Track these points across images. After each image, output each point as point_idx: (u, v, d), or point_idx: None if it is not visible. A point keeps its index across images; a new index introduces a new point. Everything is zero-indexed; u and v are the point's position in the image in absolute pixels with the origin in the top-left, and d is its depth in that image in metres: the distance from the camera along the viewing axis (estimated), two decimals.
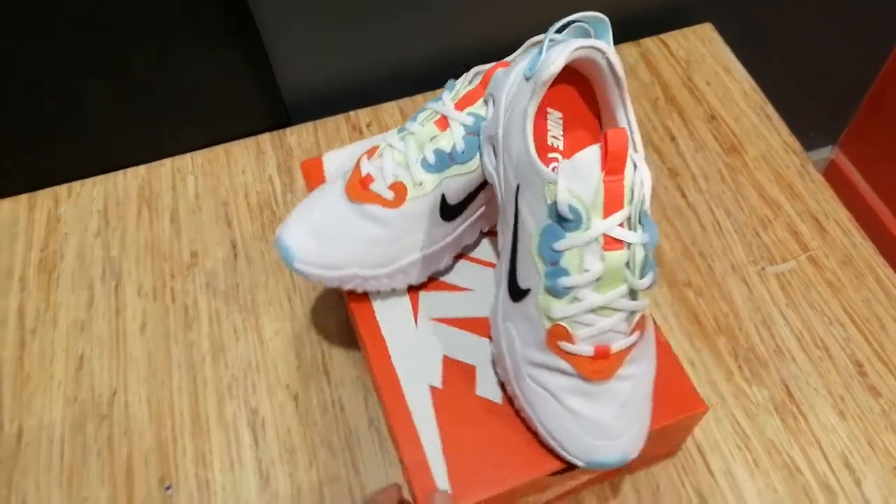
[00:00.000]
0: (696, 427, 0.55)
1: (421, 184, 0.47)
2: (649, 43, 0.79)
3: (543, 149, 0.45)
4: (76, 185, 0.72)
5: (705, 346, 0.59)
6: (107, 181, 0.72)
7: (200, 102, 0.70)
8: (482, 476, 0.44)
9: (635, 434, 0.42)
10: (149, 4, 0.61)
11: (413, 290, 0.52)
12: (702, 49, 0.78)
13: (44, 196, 0.71)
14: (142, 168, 0.72)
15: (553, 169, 0.43)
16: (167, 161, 0.73)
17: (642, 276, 0.39)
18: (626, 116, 0.42)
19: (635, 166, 0.38)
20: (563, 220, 0.38)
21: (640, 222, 0.38)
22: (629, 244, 0.38)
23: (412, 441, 0.46)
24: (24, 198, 0.71)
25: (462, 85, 0.48)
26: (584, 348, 0.40)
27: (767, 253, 0.64)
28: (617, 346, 0.40)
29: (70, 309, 0.64)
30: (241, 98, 0.71)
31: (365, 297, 0.51)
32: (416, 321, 0.50)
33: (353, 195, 0.48)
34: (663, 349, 0.47)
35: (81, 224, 0.69)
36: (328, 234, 0.48)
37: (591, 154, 0.37)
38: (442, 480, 0.44)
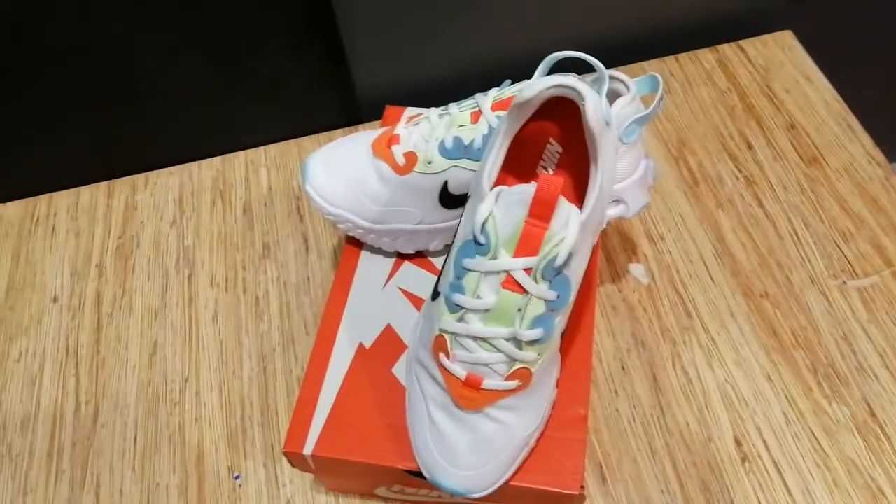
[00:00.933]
0: (774, 442, 0.54)
1: (430, 162, 0.47)
2: (727, 49, 0.77)
3: (525, 173, 0.45)
4: (153, 174, 0.73)
5: (783, 359, 0.58)
6: (182, 172, 0.73)
7: (277, 96, 0.71)
8: (348, 439, 0.45)
9: (484, 474, 0.41)
10: None
11: (401, 257, 0.53)
12: (781, 56, 0.76)
13: (122, 184, 0.73)
14: (216, 159, 0.74)
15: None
16: (241, 153, 0.74)
17: (531, 327, 0.38)
18: (596, 169, 0.39)
19: (567, 223, 0.36)
20: (477, 242, 0.38)
21: (548, 278, 0.37)
22: (527, 292, 0.37)
23: (315, 381, 0.47)
24: (103, 185, 0.73)
25: (508, 87, 0.48)
26: (458, 370, 0.40)
27: (848, 266, 0.62)
28: (489, 383, 0.39)
29: (145, 296, 0.65)
30: (317, 94, 0.72)
31: (358, 247, 0.53)
32: (385, 284, 0.52)
33: (376, 149, 0.49)
34: (575, 422, 0.45)
35: (157, 213, 0.70)
36: (341, 174, 0.50)
37: (525, 191, 0.36)
38: (318, 423, 0.45)
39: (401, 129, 0.50)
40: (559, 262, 0.36)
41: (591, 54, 0.77)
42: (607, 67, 0.77)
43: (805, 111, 0.72)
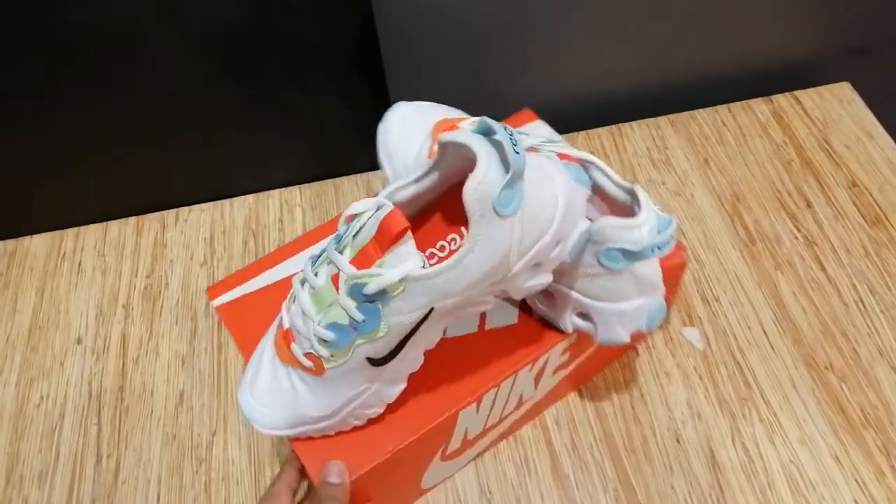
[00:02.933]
0: None
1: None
2: (782, 100, 0.75)
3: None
4: (184, 210, 0.71)
5: (851, 439, 0.54)
6: (214, 209, 0.71)
7: (316, 134, 0.69)
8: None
9: (265, 415, 0.43)
10: (285, 25, 0.60)
11: None
12: (839, 109, 0.73)
13: (151, 220, 0.70)
14: (250, 197, 0.71)
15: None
16: (275, 192, 0.71)
17: (327, 328, 0.39)
18: (468, 241, 0.36)
19: (397, 265, 0.36)
20: (339, 230, 0.40)
21: (356, 298, 0.37)
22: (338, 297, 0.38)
23: None
24: (132, 220, 0.70)
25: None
26: (285, 321, 0.42)
27: None
28: (294, 348, 0.41)
29: (172, 340, 0.62)
30: (357, 134, 0.69)
31: None
32: None
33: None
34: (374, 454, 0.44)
35: (188, 252, 0.68)
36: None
37: (381, 213, 0.37)
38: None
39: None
40: (366, 290, 0.37)
41: (638, 103, 0.75)
42: (654, 116, 0.74)
43: (867, 169, 0.69)
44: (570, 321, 0.47)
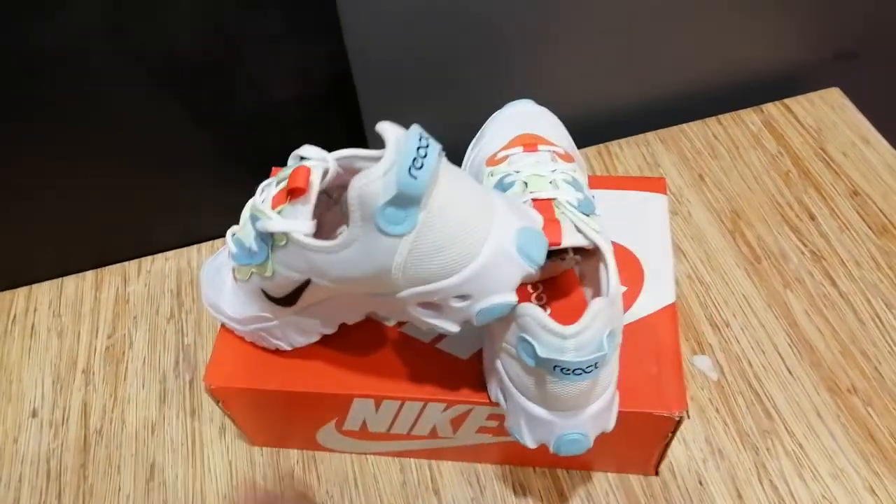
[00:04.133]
0: None
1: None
2: (772, 109, 0.72)
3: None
4: (146, 260, 0.65)
5: (886, 469, 0.50)
6: (180, 256, 0.65)
7: None
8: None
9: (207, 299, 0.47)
10: (252, 61, 0.55)
11: None
12: (832, 116, 0.71)
13: (111, 273, 0.65)
14: (218, 242, 0.66)
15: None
16: None
17: (233, 240, 0.41)
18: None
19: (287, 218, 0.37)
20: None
21: (256, 230, 0.38)
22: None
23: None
24: (90, 275, 0.65)
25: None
26: None
27: None
28: None
29: (140, 407, 0.56)
30: None
31: None
32: None
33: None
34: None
35: (152, 306, 0.62)
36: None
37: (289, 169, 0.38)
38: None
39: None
40: (257, 225, 0.38)
41: (626, 118, 0.71)
42: (643, 132, 0.71)
43: (867, 176, 0.66)
44: (491, 390, 0.42)
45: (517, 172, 0.43)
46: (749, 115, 0.72)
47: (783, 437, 0.52)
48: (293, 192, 0.36)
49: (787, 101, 0.72)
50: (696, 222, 0.64)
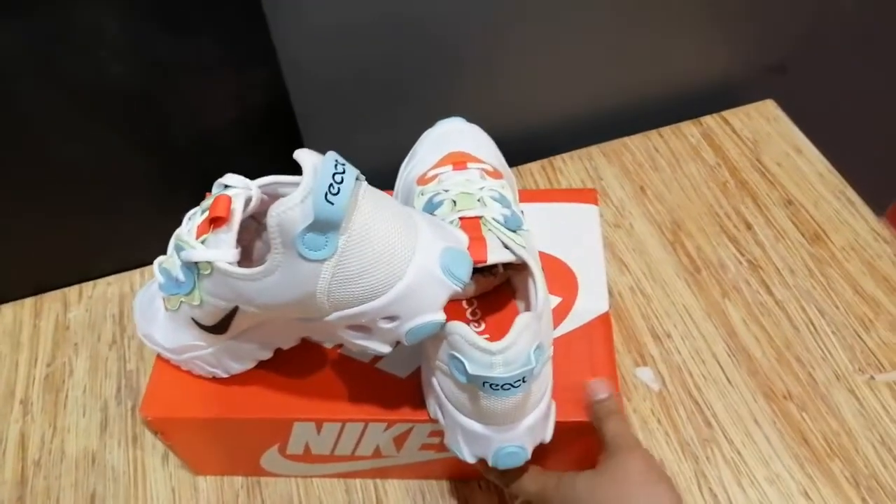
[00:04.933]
0: None
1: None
2: (710, 121, 0.74)
3: None
4: (87, 286, 0.64)
5: (818, 471, 0.51)
6: (122, 281, 0.64)
7: None
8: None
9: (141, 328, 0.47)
10: (185, 86, 0.55)
11: None
12: (767, 127, 0.73)
13: (51, 299, 0.63)
14: None
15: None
16: None
17: (160, 270, 0.42)
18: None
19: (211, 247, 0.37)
20: None
21: (182, 260, 0.39)
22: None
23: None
24: (28, 302, 0.63)
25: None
26: None
27: (874, 358, 0.57)
28: None
29: (80, 435, 0.55)
30: None
31: None
32: None
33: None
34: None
35: (94, 333, 0.61)
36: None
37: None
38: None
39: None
40: (182, 255, 0.38)
41: (567, 132, 0.72)
42: (586, 146, 0.72)
43: (800, 185, 0.68)
44: (429, 407, 0.43)
45: (446, 191, 0.43)
46: (688, 128, 0.73)
47: (722, 445, 0.53)
48: (215, 221, 0.36)
49: (724, 113, 0.74)
50: (637, 234, 0.65)
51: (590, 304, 0.48)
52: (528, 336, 0.36)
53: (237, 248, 0.36)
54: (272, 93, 0.57)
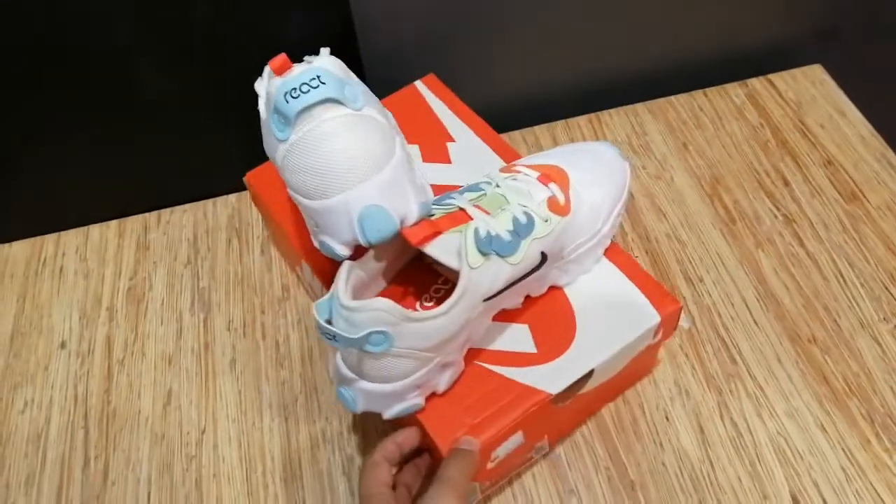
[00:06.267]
0: (835, 500, 0.50)
1: None
2: (756, 83, 0.76)
3: None
4: (165, 212, 0.71)
5: (836, 409, 0.54)
6: (196, 209, 0.70)
7: None
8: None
9: None
10: (261, 24, 0.60)
11: None
12: (812, 91, 0.74)
13: (133, 222, 0.70)
14: (232, 197, 0.71)
15: None
16: None
17: None
18: None
19: None
20: None
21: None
22: None
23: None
24: (113, 224, 0.70)
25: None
26: None
27: None
28: None
29: (158, 341, 0.62)
30: None
31: None
32: None
33: None
34: None
35: (171, 253, 0.67)
36: None
37: None
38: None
39: None
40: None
41: (615, 90, 0.75)
42: (631, 103, 0.75)
43: (841, 147, 0.70)
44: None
45: (497, 186, 0.46)
46: (734, 89, 0.76)
47: (745, 380, 0.56)
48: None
49: (770, 76, 0.76)
50: (677, 186, 0.68)
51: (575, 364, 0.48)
52: (373, 321, 0.39)
53: None
54: (342, 33, 0.62)
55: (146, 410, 0.58)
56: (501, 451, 0.47)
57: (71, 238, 0.69)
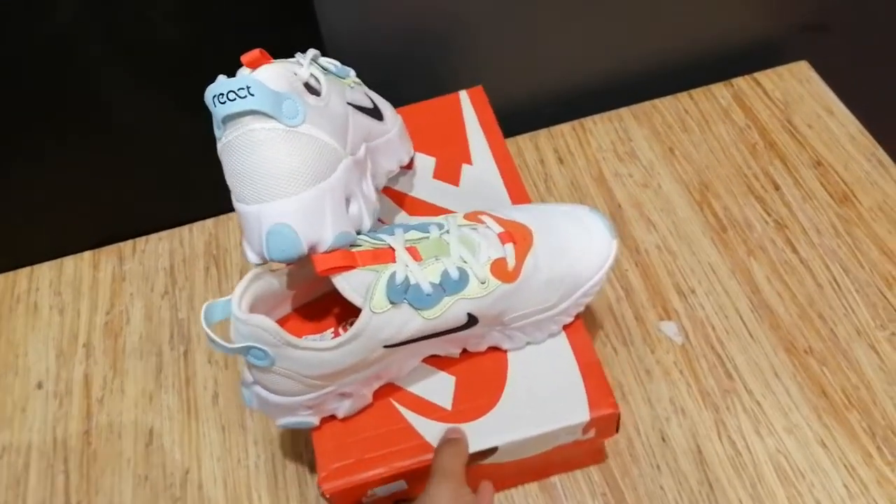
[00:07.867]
0: None
1: None
2: (742, 83, 0.74)
3: None
4: (140, 241, 0.68)
5: (836, 422, 0.53)
6: (172, 237, 0.68)
7: None
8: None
9: None
10: (230, 45, 0.58)
11: None
12: (799, 89, 0.73)
13: (108, 253, 0.68)
14: (209, 222, 0.69)
15: None
16: (235, 214, 0.69)
17: None
18: None
19: None
20: None
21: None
22: None
23: None
24: (87, 255, 0.68)
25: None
26: None
27: None
28: None
29: (138, 377, 0.60)
30: None
31: None
32: None
33: None
34: None
35: (147, 284, 0.65)
36: None
37: None
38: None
39: None
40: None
41: (598, 94, 0.74)
42: (617, 107, 0.73)
43: (830, 147, 0.68)
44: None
45: (447, 232, 0.44)
46: (719, 90, 0.74)
47: (742, 396, 0.55)
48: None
49: (756, 74, 0.74)
50: (665, 194, 0.67)
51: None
52: (253, 337, 0.38)
53: None
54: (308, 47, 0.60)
55: (128, 451, 0.56)
56: (381, 491, 0.46)
57: (44, 272, 0.67)
